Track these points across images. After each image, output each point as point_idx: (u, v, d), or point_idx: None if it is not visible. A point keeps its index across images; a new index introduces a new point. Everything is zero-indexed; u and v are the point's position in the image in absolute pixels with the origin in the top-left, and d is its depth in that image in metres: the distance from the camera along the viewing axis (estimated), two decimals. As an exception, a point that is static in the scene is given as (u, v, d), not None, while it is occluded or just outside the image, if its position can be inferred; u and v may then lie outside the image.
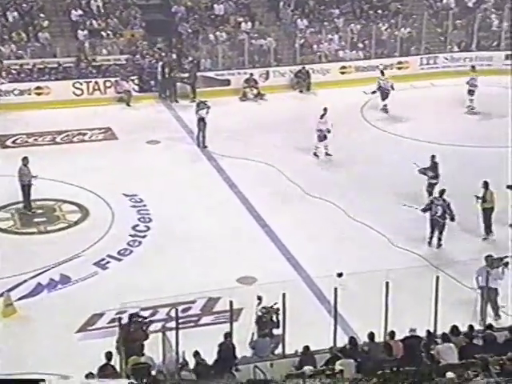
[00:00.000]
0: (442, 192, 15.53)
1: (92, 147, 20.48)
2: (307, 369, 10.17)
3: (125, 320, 11.51)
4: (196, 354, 10.79)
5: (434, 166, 16.90)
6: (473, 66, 24.22)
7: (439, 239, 15.43)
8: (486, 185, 15.69)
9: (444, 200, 15.35)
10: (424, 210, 15.52)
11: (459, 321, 11.53)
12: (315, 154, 19.67)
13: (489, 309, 12.94)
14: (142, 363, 10.49)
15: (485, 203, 15.60)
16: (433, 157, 16.93)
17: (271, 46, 25.50)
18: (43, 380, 8.84)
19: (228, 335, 11.13)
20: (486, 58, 26.42)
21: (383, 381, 9.54)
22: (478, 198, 15.58)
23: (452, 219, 15.36)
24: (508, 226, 15.78)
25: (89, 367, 10.33)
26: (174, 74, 23.62)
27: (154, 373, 10.21)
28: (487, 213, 15.70)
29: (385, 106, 22.63)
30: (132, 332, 10.92)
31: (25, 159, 16.72)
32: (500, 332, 11.34)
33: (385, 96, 22.70)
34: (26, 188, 16.53)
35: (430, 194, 16.64)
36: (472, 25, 26.84)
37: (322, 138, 19.51)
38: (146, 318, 11.51)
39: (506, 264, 13.09)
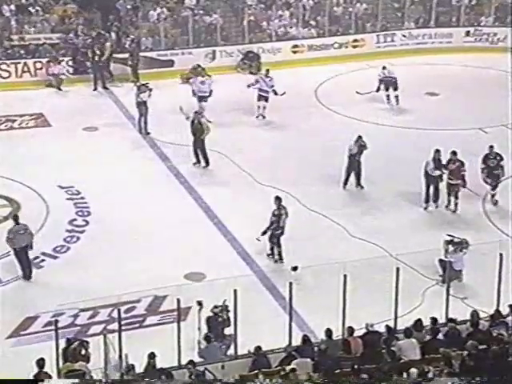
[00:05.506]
0: (279, 199, 14.80)
1: (22, 135, 20.11)
2: None
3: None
4: (152, 355, 10.68)
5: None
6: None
7: (279, 253, 14.66)
8: None
9: (284, 208, 14.74)
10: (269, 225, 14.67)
11: (421, 314, 11.74)
12: (260, 115, 20.76)
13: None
14: (75, 370, 10.44)
15: None
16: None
17: (218, 23, 25.37)
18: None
19: None
20: (445, 34, 26.82)
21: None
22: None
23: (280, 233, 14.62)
24: None
25: (23, 376, 10.17)
26: (104, 59, 23.16)
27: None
28: None
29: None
30: (71, 360, 10.83)
31: None
32: (462, 325, 11.57)
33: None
34: None
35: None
36: (430, -1, 27.23)
37: (263, 98, 20.70)
38: (84, 340, 11.36)
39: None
